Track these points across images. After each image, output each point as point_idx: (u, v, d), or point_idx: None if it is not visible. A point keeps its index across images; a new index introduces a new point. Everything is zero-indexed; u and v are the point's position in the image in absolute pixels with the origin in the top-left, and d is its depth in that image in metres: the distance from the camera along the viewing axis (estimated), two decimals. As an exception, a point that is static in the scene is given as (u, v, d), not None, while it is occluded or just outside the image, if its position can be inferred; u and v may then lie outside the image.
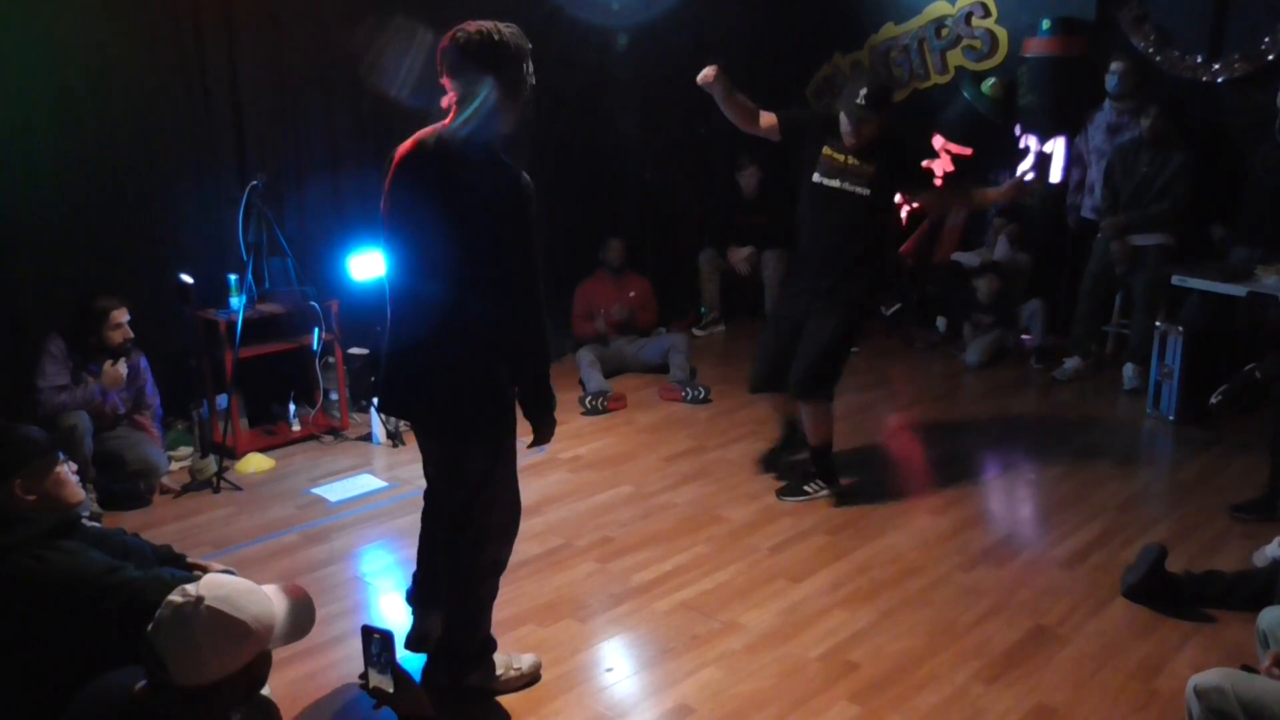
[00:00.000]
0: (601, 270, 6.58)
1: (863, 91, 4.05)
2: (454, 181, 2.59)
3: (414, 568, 3.22)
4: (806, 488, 4.48)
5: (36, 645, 2.28)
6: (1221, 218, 5.89)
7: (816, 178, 4.25)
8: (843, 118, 4.12)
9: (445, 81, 2.61)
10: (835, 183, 4.20)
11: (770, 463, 4.85)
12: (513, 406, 2.78)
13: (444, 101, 2.62)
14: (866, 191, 4.16)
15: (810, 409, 4.42)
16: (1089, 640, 3.33)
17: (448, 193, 2.59)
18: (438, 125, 2.68)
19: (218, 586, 1.88)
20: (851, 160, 4.17)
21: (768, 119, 4.27)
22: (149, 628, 1.84)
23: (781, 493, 4.52)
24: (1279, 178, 5.57)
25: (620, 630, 3.43)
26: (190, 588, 1.87)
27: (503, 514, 2.90)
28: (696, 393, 5.86)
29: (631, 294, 6.56)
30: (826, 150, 4.23)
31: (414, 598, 3.21)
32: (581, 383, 6.03)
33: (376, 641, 2.21)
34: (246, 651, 1.87)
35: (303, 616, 2.02)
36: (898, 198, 5.22)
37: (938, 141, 7.22)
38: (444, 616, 3.02)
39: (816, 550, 4.00)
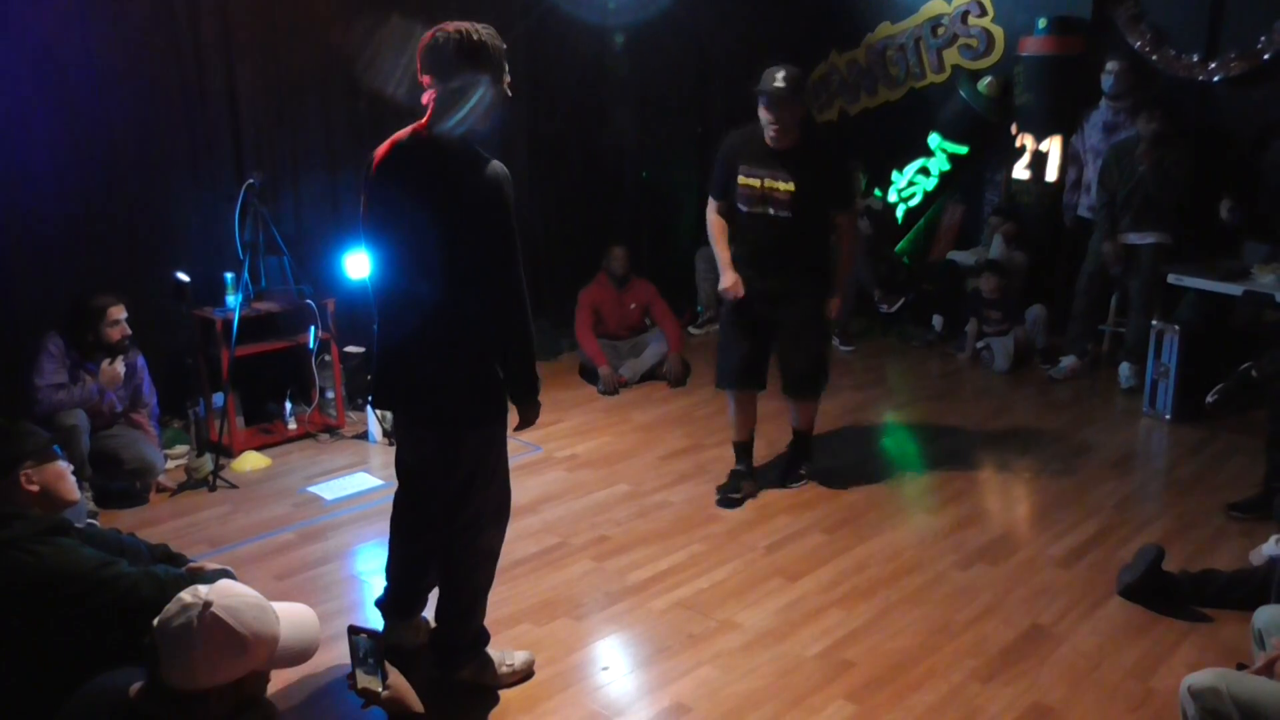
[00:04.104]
0: (605, 276, 6.40)
1: (780, 74, 3.98)
2: (436, 179, 2.65)
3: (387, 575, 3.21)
4: (802, 470, 4.65)
5: (30, 641, 2.28)
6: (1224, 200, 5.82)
7: (740, 207, 4.21)
8: (761, 109, 4.04)
9: (425, 80, 2.68)
10: (759, 209, 4.15)
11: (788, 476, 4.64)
12: (502, 392, 2.83)
13: (424, 98, 2.70)
14: (789, 214, 4.10)
15: (808, 404, 4.58)
16: (1085, 639, 3.33)
17: (430, 191, 2.65)
18: (414, 125, 2.75)
19: (228, 596, 1.87)
20: (769, 184, 4.10)
21: (720, 211, 4.30)
22: (155, 621, 1.84)
23: (786, 480, 4.62)
24: None
25: (616, 629, 3.43)
26: (202, 589, 1.86)
27: (497, 500, 2.95)
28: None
29: (633, 306, 6.44)
30: (742, 178, 4.16)
31: (387, 608, 3.20)
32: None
33: (363, 641, 2.20)
34: (239, 667, 1.85)
35: (304, 647, 2.01)
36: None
37: (934, 140, 7.24)
38: (438, 608, 3.03)
39: (813, 549, 4.00)
